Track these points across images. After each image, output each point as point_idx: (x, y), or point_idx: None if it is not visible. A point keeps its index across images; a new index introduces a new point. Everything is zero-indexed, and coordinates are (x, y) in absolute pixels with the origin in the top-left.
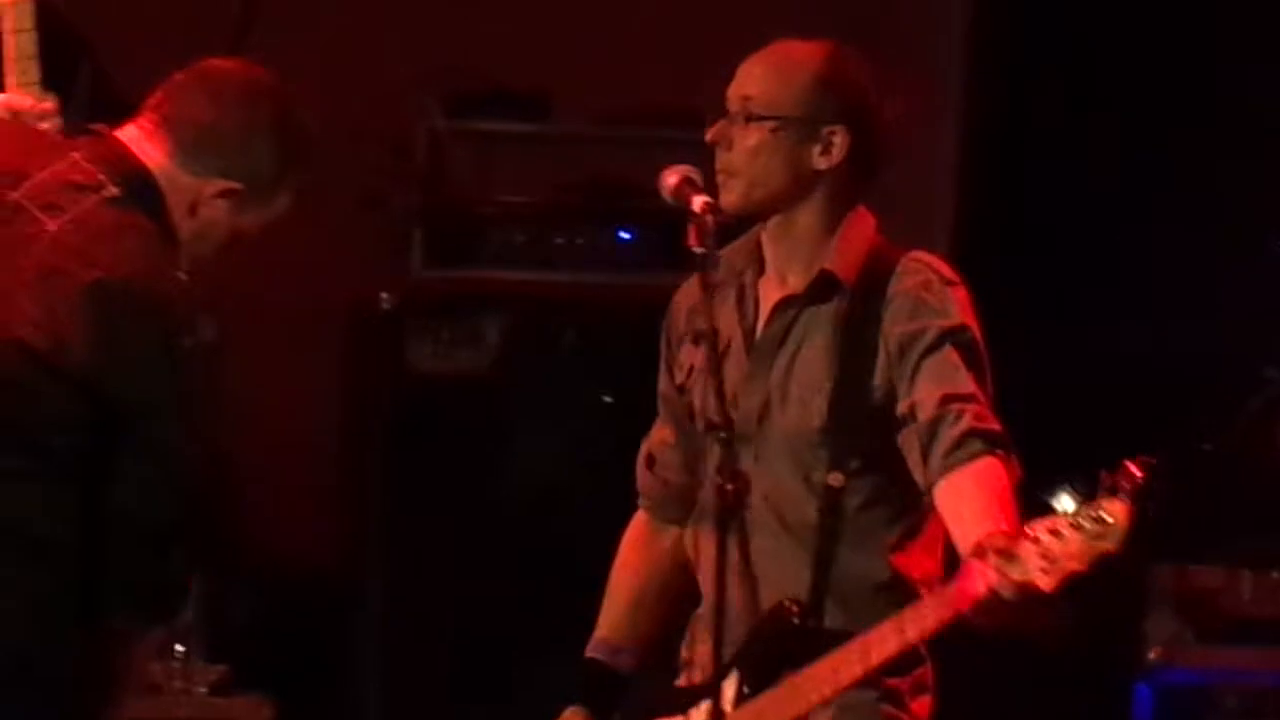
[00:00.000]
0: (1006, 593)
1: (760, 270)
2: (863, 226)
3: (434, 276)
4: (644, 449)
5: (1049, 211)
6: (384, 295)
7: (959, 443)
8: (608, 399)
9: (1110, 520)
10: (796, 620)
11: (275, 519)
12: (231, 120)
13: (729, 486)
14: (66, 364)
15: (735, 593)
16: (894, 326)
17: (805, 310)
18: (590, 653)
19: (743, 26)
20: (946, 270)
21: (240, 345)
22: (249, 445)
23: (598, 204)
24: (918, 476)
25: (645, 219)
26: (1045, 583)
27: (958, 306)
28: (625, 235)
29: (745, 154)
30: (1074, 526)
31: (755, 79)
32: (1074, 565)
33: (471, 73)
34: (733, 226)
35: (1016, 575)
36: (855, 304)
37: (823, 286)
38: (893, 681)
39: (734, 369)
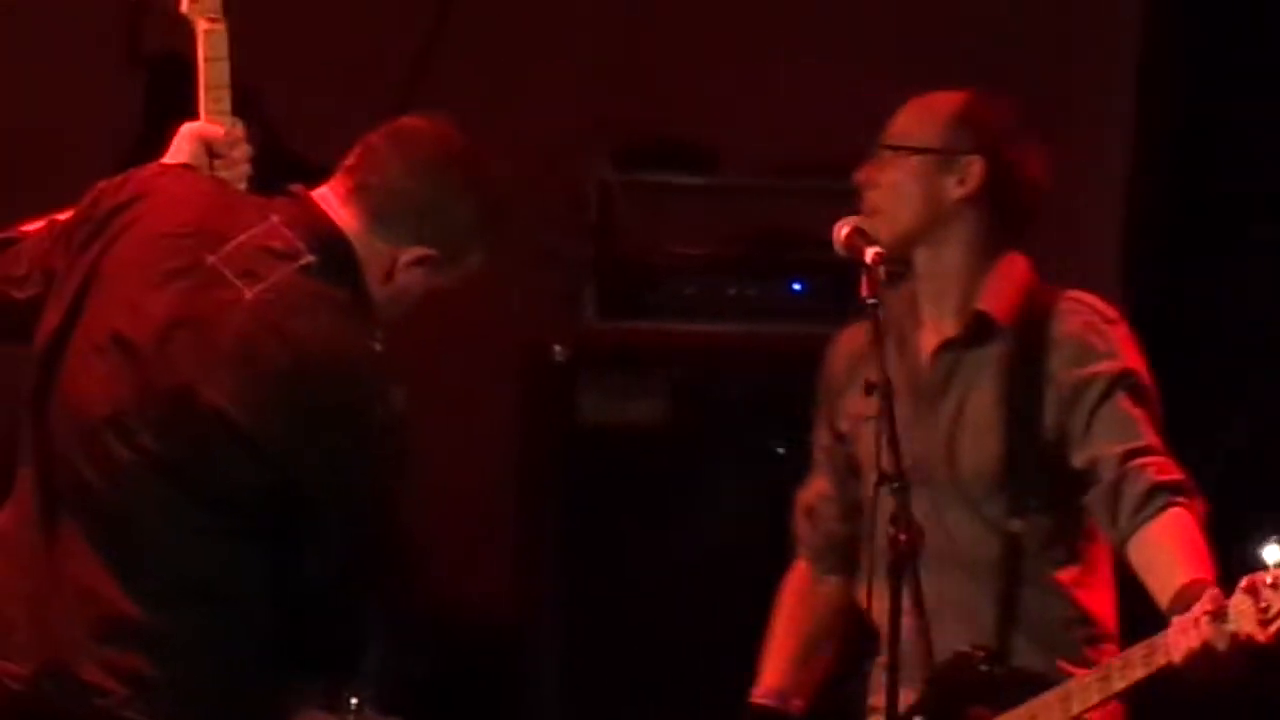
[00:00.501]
0: (1221, 645)
1: (918, 318)
2: (1015, 267)
3: (606, 327)
4: (801, 500)
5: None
6: (557, 347)
7: (1145, 500)
8: (780, 450)
9: None
10: (984, 666)
11: (451, 571)
12: (427, 186)
13: (902, 536)
14: (263, 441)
15: (913, 638)
16: (1061, 371)
17: (966, 354)
18: (758, 699)
19: (908, 77)
20: (1107, 309)
21: (416, 398)
22: (425, 498)
23: (768, 255)
24: (1109, 536)
25: (817, 270)
26: (1263, 635)
27: (1122, 347)
28: (797, 286)
29: (886, 188)
30: None
31: (898, 120)
32: None
33: (640, 125)
34: (904, 278)
35: (1231, 627)
36: (1017, 346)
37: (979, 328)
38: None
39: (900, 419)
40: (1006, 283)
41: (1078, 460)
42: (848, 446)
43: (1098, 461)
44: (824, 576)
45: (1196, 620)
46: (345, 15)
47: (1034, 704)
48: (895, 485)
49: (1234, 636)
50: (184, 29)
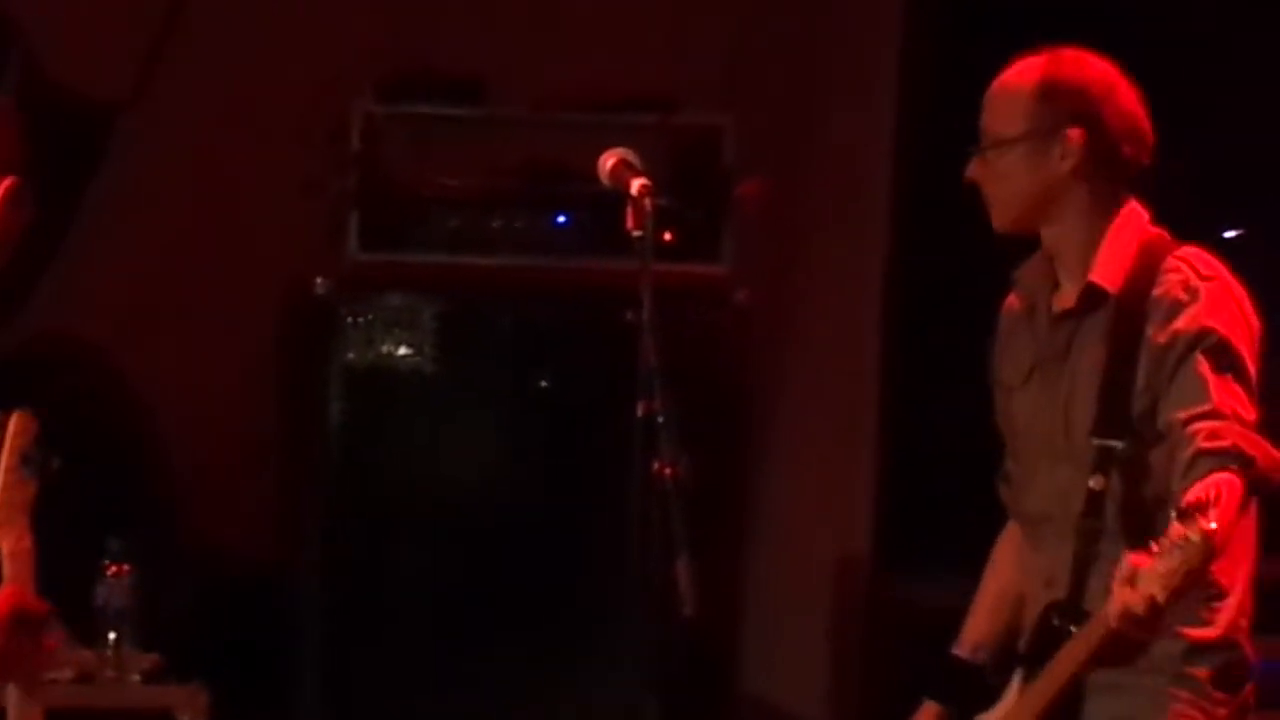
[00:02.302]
0: (1138, 609)
1: (1054, 288)
2: (1130, 227)
3: (369, 260)
4: (1003, 466)
5: None
6: (319, 280)
7: (1190, 466)
8: (543, 384)
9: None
10: (1055, 622)
11: (213, 508)
12: None
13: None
14: None
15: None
16: (1152, 333)
17: (1083, 322)
18: (956, 650)
19: (681, 15)
20: (1205, 265)
21: (177, 330)
22: (185, 432)
23: (535, 188)
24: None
25: (583, 203)
26: (1162, 597)
27: (1208, 305)
28: (562, 219)
29: (996, 181)
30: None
31: (988, 110)
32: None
33: (406, 57)
34: (670, 210)
35: (1142, 588)
36: (1121, 312)
37: (1090, 299)
38: (1198, 671)
39: (1035, 391)
40: (1118, 246)
41: (1159, 421)
42: (1009, 413)
43: (1170, 426)
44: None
45: (1120, 586)
46: None
47: (1063, 650)
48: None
49: (1149, 599)
50: None
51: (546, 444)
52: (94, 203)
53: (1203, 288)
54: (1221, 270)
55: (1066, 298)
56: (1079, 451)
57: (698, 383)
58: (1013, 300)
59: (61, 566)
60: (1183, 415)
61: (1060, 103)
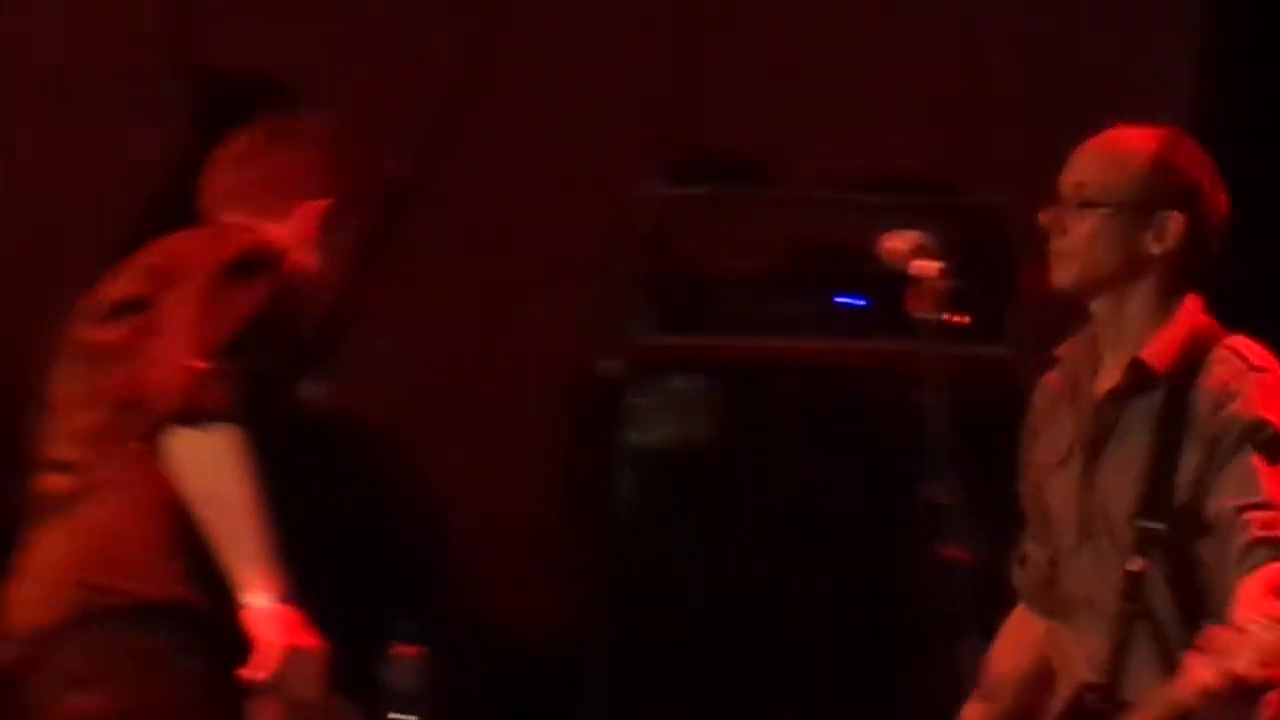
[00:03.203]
0: (1219, 684)
1: (1096, 367)
2: (1190, 312)
3: (657, 342)
4: (1021, 547)
5: None
6: (608, 362)
7: (1245, 553)
8: (829, 465)
9: None
10: (1089, 704)
11: (500, 589)
12: None
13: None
14: None
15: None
16: (1202, 422)
17: (1130, 403)
18: None
19: (964, 96)
20: (1256, 355)
21: (465, 411)
22: (473, 512)
23: (820, 269)
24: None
25: (866, 284)
26: (1253, 675)
27: (1262, 397)
28: (847, 300)
29: (1080, 239)
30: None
31: (1089, 166)
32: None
33: (693, 139)
34: (954, 292)
35: (1232, 666)
36: (1170, 395)
37: (1137, 377)
38: None
39: (1074, 473)
40: (1174, 330)
41: (1206, 511)
42: (1039, 494)
43: (1218, 514)
44: (1036, 618)
45: (1203, 661)
46: (394, 42)
47: None
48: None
49: (1229, 674)
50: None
51: (831, 526)
52: (382, 281)
53: (1254, 379)
54: (1273, 361)
55: (1110, 376)
56: (1119, 534)
57: (981, 465)
58: (1051, 379)
59: (349, 646)
60: (1236, 504)
61: (1171, 183)
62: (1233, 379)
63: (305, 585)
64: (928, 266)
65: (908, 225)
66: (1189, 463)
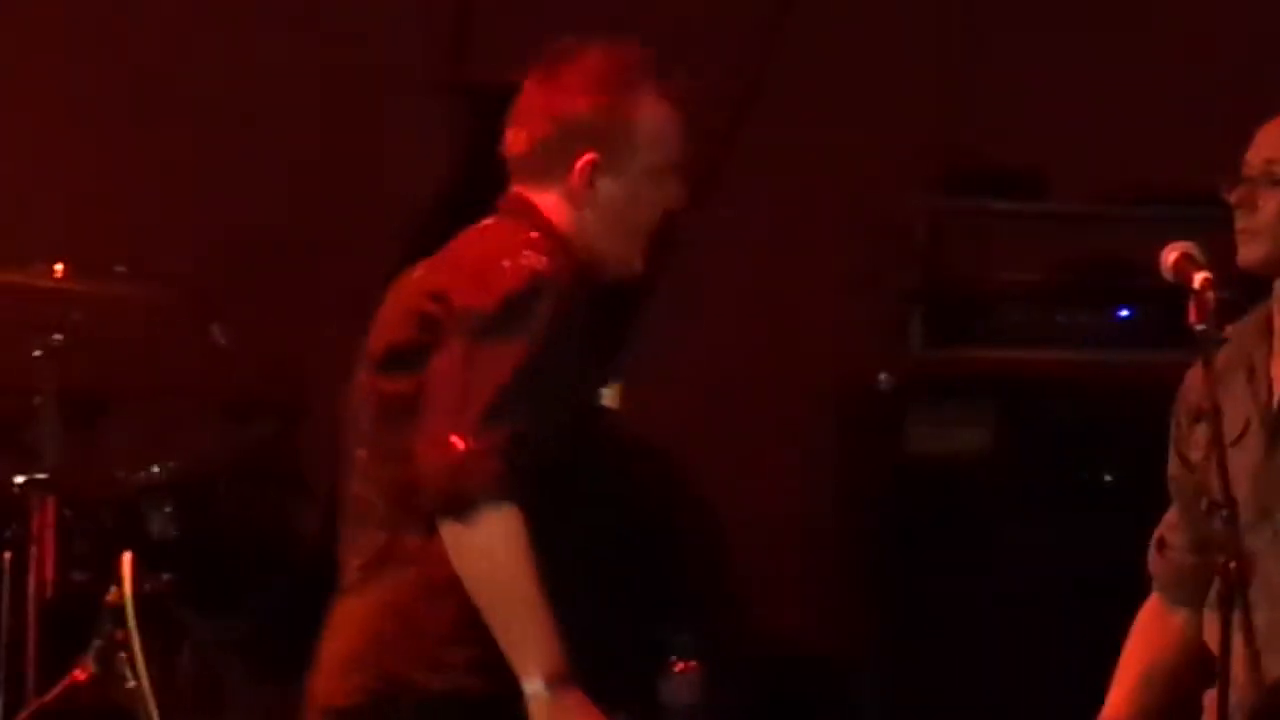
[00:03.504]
0: None
1: (1271, 347)
2: None
3: (933, 356)
4: (1157, 532)
5: None
6: (883, 376)
7: None
8: (1108, 478)
9: None
10: None
11: (773, 602)
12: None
13: (1232, 565)
14: None
15: (1240, 671)
16: None
17: None
18: None
19: (1244, 105)
20: None
21: (740, 426)
22: (748, 527)
23: (1096, 282)
24: None
25: (1145, 297)
26: None
27: None
28: (1125, 313)
29: (1272, 215)
30: None
31: (1278, 144)
32: None
33: (969, 151)
34: (1235, 305)
35: None
36: None
37: None
38: None
39: (1252, 449)
40: None
41: None
42: (1197, 476)
43: None
44: (1175, 608)
45: None
46: (675, 41)
47: None
48: (1224, 514)
49: None
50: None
51: (1110, 539)
52: (659, 302)
53: None
54: None
55: None
56: None
57: None
58: (1219, 362)
59: (629, 662)
60: None
61: None
62: None
63: (587, 600)
64: (1202, 278)
65: (1183, 237)
66: None
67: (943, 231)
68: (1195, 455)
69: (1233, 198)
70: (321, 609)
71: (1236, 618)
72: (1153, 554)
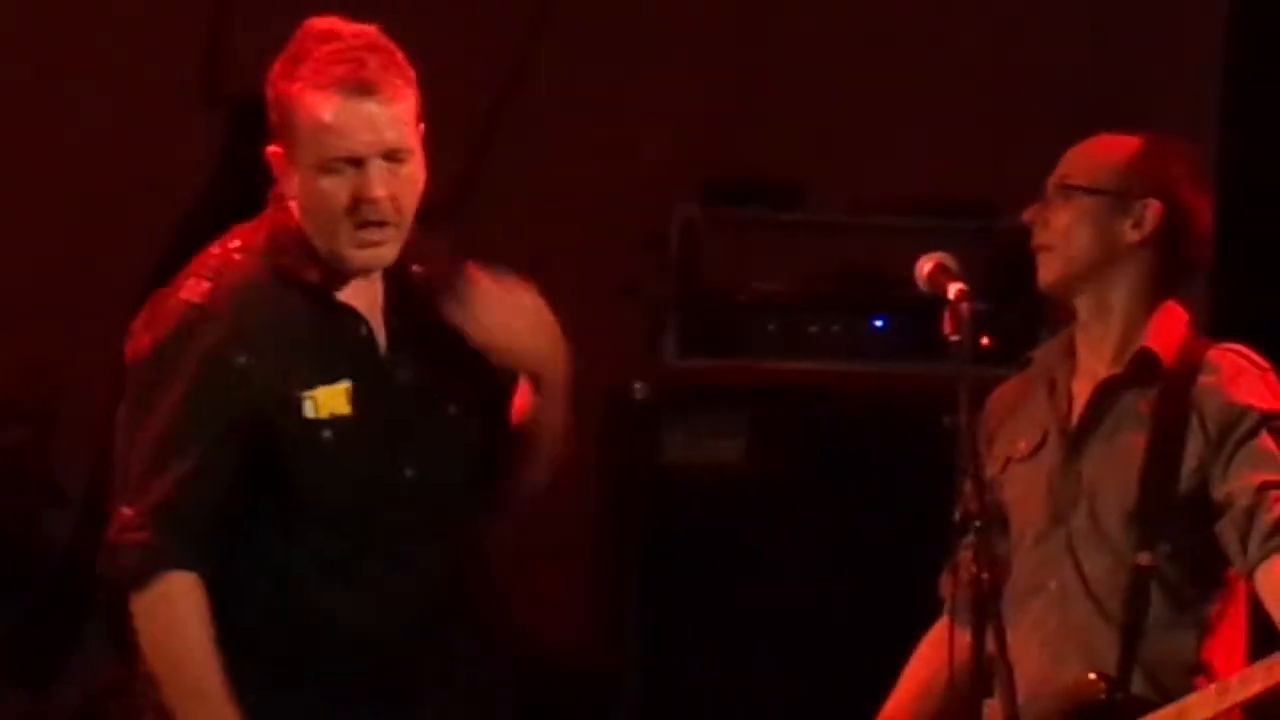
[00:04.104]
0: None
1: (1073, 367)
2: (1177, 315)
3: (688, 365)
4: (952, 558)
5: None
6: (638, 385)
7: (1276, 528)
8: (860, 488)
9: None
10: (1104, 695)
11: (530, 609)
12: None
13: (984, 575)
14: None
15: (1023, 671)
16: (1209, 415)
17: (1124, 394)
18: None
19: (1001, 118)
20: (1258, 359)
21: None
22: (504, 532)
23: (852, 292)
24: (1236, 563)
25: (900, 307)
26: None
27: (1272, 393)
28: (880, 323)
29: (1060, 228)
30: None
31: (1073, 159)
32: None
33: (725, 161)
34: (989, 315)
35: None
36: (1169, 389)
37: (1143, 366)
38: None
39: (1047, 460)
40: (1169, 327)
41: (1216, 494)
42: (994, 494)
43: (1233, 493)
44: (962, 628)
45: None
46: (433, 42)
47: (1150, 718)
48: (976, 524)
49: None
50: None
51: (862, 548)
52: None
53: (1264, 377)
54: (1270, 365)
55: (1092, 372)
56: (1105, 524)
57: None
58: (1010, 386)
59: None
60: (1257, 480)
61: (1150, 174)
62: (1241, 374)
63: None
64: (957, 289)
65: (940, 248)
66: (1192, 455)
67: (699, 240)
68: (992, 470)
69: (1027, 217)
70: (72, 615)
71: (992, 628)
72: (945, 577)
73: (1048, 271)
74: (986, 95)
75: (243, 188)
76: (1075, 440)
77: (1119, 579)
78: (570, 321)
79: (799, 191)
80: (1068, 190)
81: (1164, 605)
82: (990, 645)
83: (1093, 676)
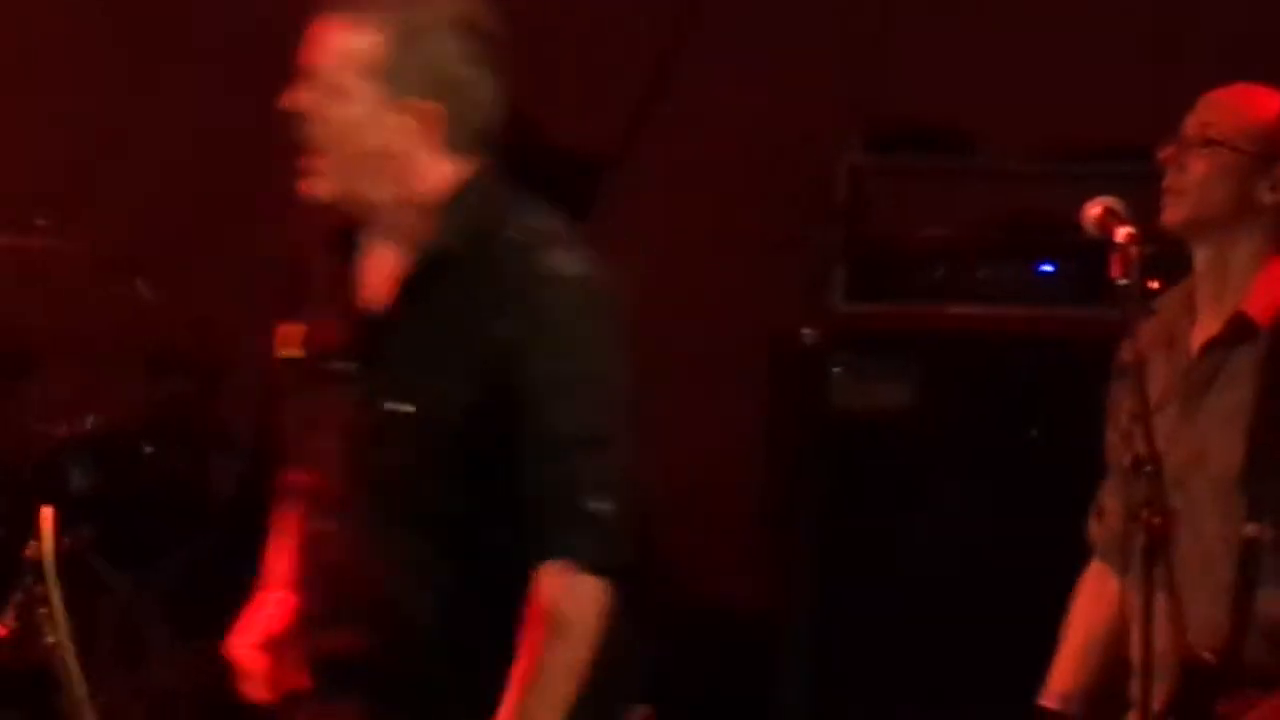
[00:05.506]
0: None
1: (1193, 319)
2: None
3: (855, 311)
4: (1096, 499)
5: None
6: (806, 331)
7: None
8: (1033, 433)
9: None
10: (1214, 666)
11: (700, 558)
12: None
13: (1155, 520)
14: None
15: (1160, 630)
16: None
17: (1230, 353)
18: (1043, 701)
19: (1165, 61)
20: None
21: (666, 382)
22: (675, 484)
23: (1020, 238)
24: None
25: (1067, 252)
26: None
27: None
28: (1047, 268)
29: (1198, 177)
30: None
31: (1218, 110)
32: None
33: (892, 108)
34: (1158, 259)
35: None
36: (1271, 347)
37: (1238, 329)
38: None
39: (1169, 417)
40: (1273, 283)
41: None
42: (1129, 441)
43: None
44: (1114, 575)
45: None
46: (592, 15)
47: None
48: (1148, 469)
49: None
50: None
51: (1034, 493)
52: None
53: None
54: None
55: (1207, 327)
56: (1221, 492)
57: None
58: (1145, 330)
59: None
60: None
61: None
62: None
63: None
64: (1125, 232)
65: (1106, 193)
66: None
67: (864, 188)
68: (1123, 415)
69: (1163, 156)
70: (240, 565)
71: (1160, 574)
72: (1092, 521)
73: (1174, 213)
74: (1149, 38)
75: None
76: (1190, 399)
77: (1229, 546)
78: (738, 270)
79: (963, 139)
80: (1210, 142)
81: (1272, 567)
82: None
83: (1203, 654)
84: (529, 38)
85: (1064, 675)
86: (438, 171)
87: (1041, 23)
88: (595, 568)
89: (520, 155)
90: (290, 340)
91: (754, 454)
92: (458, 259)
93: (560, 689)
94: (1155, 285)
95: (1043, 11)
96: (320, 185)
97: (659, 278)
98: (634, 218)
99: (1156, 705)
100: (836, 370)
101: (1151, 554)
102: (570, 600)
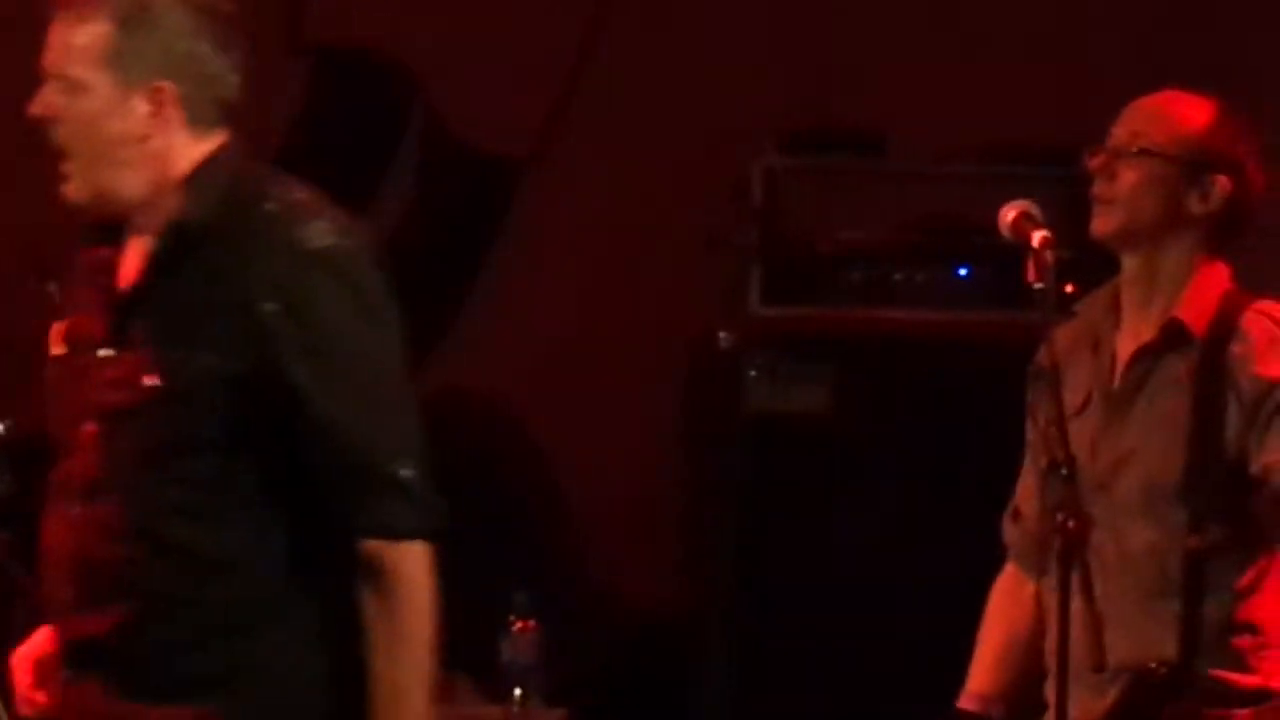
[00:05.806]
0: None
1: (1117, 323)
2: (1216, 275)
3: (771, 314)
4: (1012, 501)
5: None
6: (722, 334)
7: None
8: (944, 436)
9: None
10: (1164, 677)
11: (614, 560)
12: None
13: (1070, 523)
14: None
15: (1083, 631)
16: (1242, 385)
17: (1160, 360)
18: (962, 703)
19: (1078, 61)
20: None
21: (581, 384)
22: (589, 485)
23: (936, 241)
24: (1275, 538)
25: (983, 256)
26: None
27: None
28: (963, 272)
29: (1129, 186)
30: None
31: (1148, 119)
32: None
33: (808, 110)
34: (1072, 263)
35: None
36: (1205, 356)
37: (1172, 336)
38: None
39: (1092, 421)
40: (1205, 291)
41: (1253, 467)
42: (1048, 442)
43: (1269, 467)
44: (1029, 578)
45: None
46: (507, 19)
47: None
48: (1064, 471)
49: None
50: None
51: (946, 497)
52: (496, 259)
53: None
54: None
55: (1135, 333)
56: (1149, 496)
57: None
58: (1064, 332)
59: (467, 622)
60: None
61: (1223, 149)
62: (1275, 344)
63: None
64: (1040, 237)
65: (1022, 196)
66: (1231, 425)
67: (781, 190)
68: (1041, 417)
69: (1092, 164)
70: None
71: (1075, 579)
72: (1007, 523)
73: (1104, 224)
74: (1066, 42)
75: (323, 135)
76: (1117, 404)
77: (1166, 557)
78: (654, 272)
79: (880, 141)
80: (1142, 151)
81: (1214, 577)
82: (1047, 606)
83: (1153, 666)
84: (443, 38)
85: (982, 677)
86: (183, 151)
87: (957, 25)
88: (418, 533)
89: (431, 159)
90: (57, 339)
91: (671, 456)
92: (209, 232)
93: (423, 657)
94: (1071, 289)
95: (958, 13)
96: (71, 189)
97: (577, 278)
98: (549, 220)
99: (1079, 710)
100: (752, 373)
101: (1067, 557)
102: (405, 569)
